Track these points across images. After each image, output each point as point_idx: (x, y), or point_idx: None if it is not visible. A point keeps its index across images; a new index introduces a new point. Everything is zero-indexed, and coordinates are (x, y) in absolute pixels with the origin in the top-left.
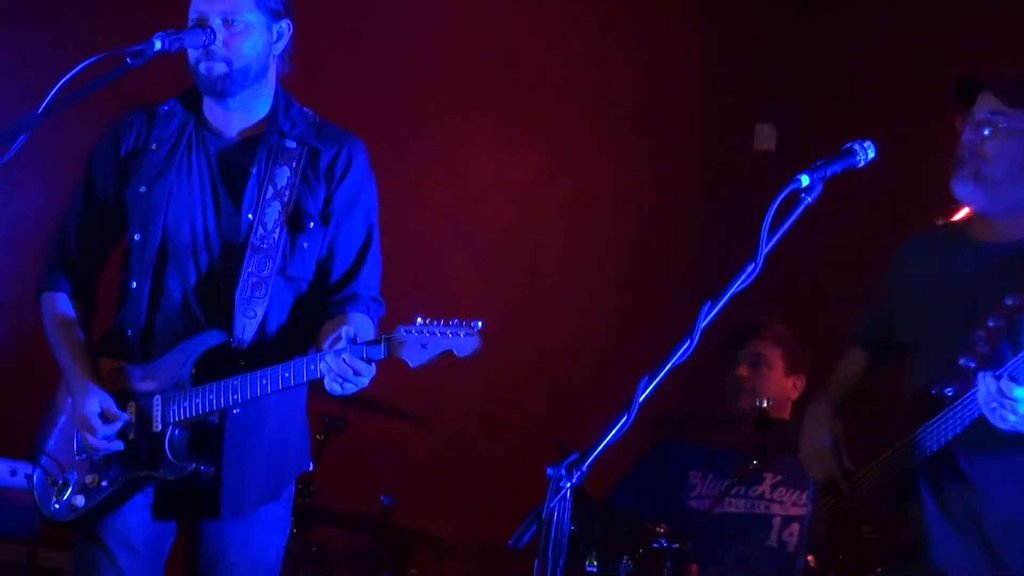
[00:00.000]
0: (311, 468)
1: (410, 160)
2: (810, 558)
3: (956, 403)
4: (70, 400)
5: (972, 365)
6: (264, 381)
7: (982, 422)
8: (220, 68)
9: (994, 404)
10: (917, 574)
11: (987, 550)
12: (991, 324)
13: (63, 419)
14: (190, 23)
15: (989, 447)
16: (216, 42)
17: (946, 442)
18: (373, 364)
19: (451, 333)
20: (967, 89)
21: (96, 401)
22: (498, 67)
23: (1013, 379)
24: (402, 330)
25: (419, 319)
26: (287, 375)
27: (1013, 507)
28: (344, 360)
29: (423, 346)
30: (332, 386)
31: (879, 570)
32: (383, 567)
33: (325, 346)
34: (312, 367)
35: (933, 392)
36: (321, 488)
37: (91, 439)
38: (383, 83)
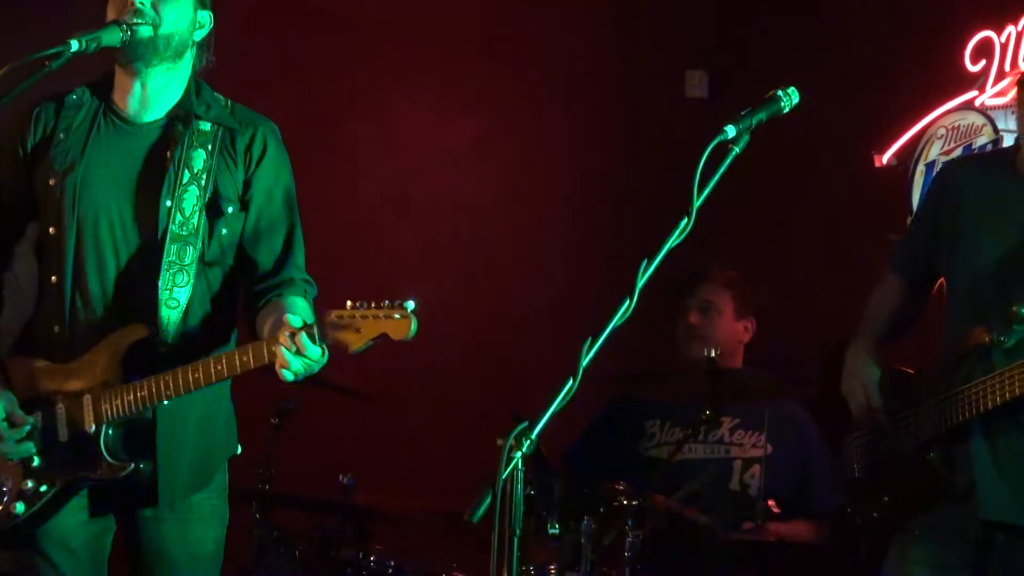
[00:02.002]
0: (239, 451)
1: (344, 132)
2: (770, 503)
3: (1015, 358)
4: None
5: None
6: (197, 375)
7: None
8: (146, 31)
9: None
10: (964, 521)
11: None
12: None
13: None
14: None
15: None
16: (146, 7)
17: (1001, 403)
18: (323, 347)
19: (384, 316)
20: None
21: (1, 406)
22: (429, 34)
23: None
24: (333, 315)
25: (349, 303)
26: (219, 368)
27: None
28: (296, 350)
29: (357, 330)
30: (284, 373)
31: (923, 514)
32: (348, 546)
33: (265, 333)
34: (244, 359)
35: (987, 339)
36: (279, 472)
37: (2, 446)
38: (316, 56)
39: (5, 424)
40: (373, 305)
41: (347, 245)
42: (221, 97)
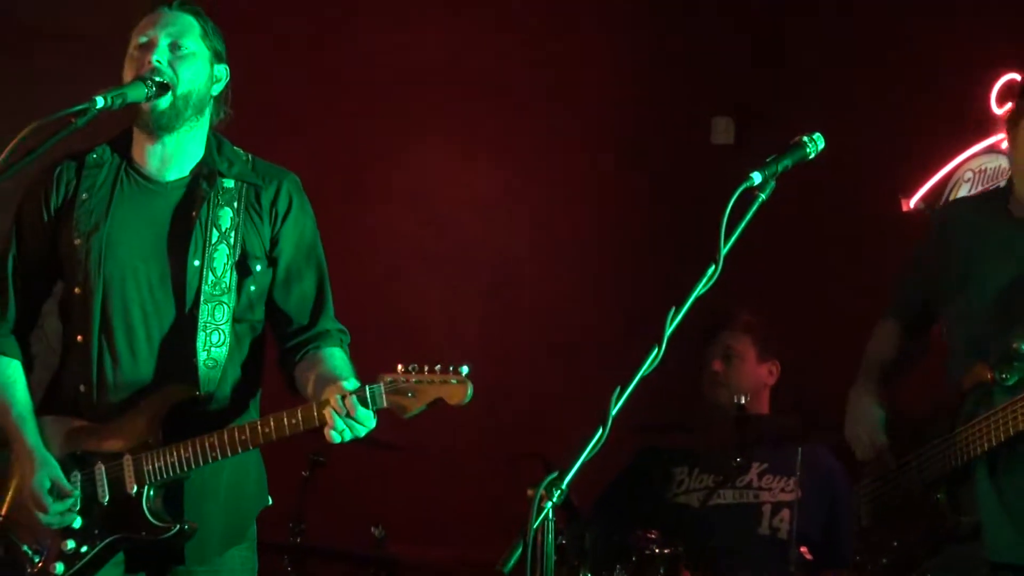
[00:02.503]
0: (270, 503)
1: (371, 184)
2: (803, 549)
3: (1018, 398)
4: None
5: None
6: (244, 437)
7: None
8: (165, 100)
9: None
10: (971, 563)
11: None
12: None
13: (19, 484)
14: (134, 47)
15: None
16: (163, 66)
17: (1006, 439)
18: (374, 411)
19: (440, 380)
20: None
21: (45, 476)
22: (454, 83)
23: None
24: (388, 379)
25: (400, 366)
26: (267, 430)
27: None
28: (347, 413)
29: (412, 395)
30: (332, 435)
31: (932, 556)
32: None
33: (308, 386)
34: (293, 421)
35: (989, 376)
36: (310, 525)
37: (44, 517)
38: (341, 109)
39: (50, 498)
40: (427, 369)
41: (375, 296)
42: (241, 152)
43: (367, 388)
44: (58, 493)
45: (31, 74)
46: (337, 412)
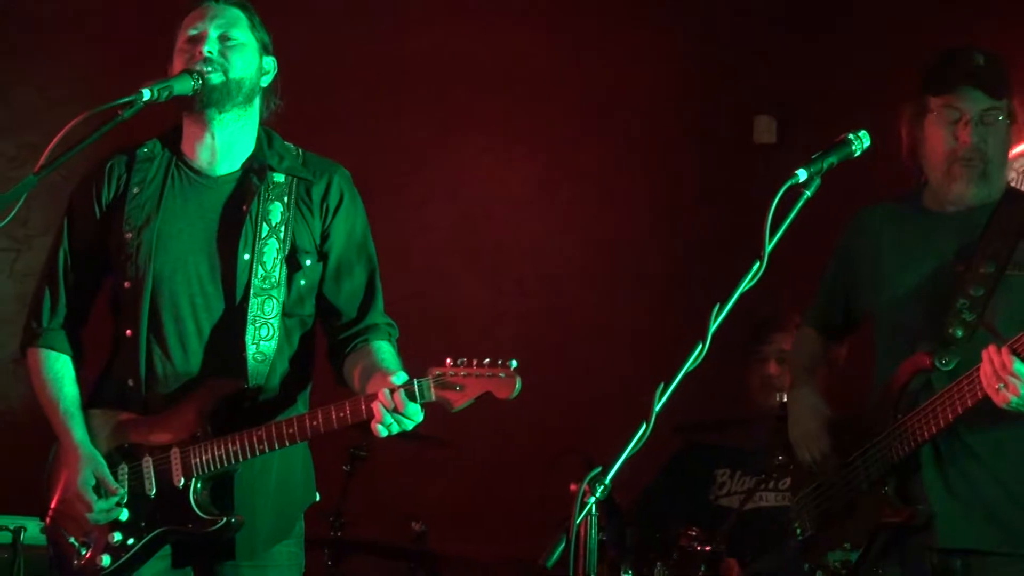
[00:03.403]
0: (317, 499)
1: (409, 183)
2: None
3: (959, 379)
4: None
5: (960, 335)
6: (292, 430)
7: (986, 399)
8: (218, 76)
9: (999, 385)
10: (923, 552)
11: (993, 521)
12: (972, 292)
13: (68, 477)
14: (183, 41)
15: (990, 416)
16: (204, 44)
17: (947, 423)
18: (422, 405)
19: (488, 374)
20: (941, 80)
21: (90, 472)
22: (493, 80)
23: (1016, 353)
24: (436, 373)
25: (449, 360)
26: (315, 423)
27: (1014, 473)
28: (395, 408)
29: (461, 389)
30: (379, 429)
31: (884, 553)
32: None
33: (356, 379)
34: (341, 415)
35: (929, 363)
36: (351, 519)
37: (89, 514)
38: (379, 106)
39: (95, 495)
40: (476, 363)
41: (415, 292)
42: (292, 146)
43: (415, 382)
44: (103, 490)
45: None
46: (385, 406)
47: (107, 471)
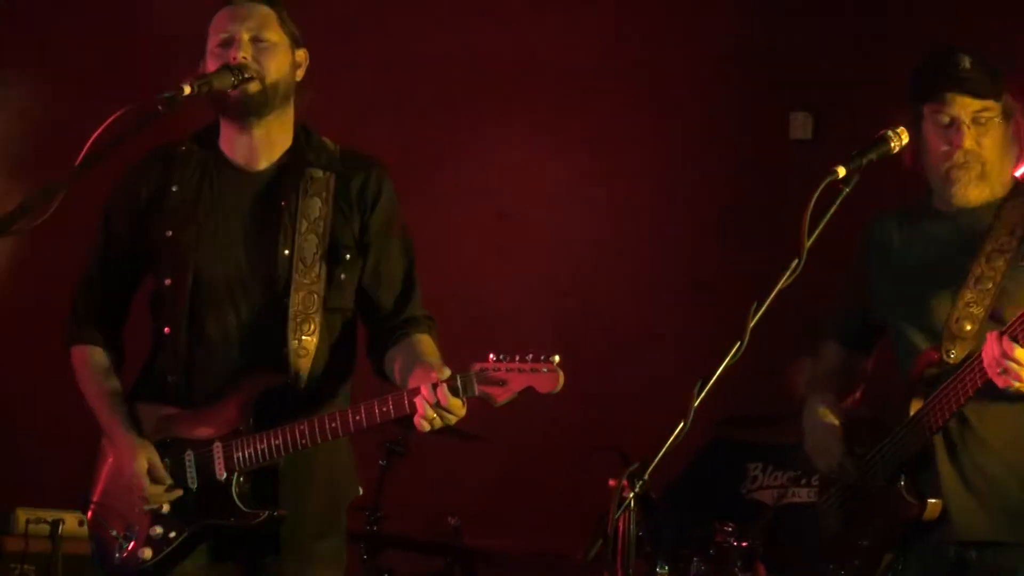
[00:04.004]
0: (360, 493)
1: (442, 179)
2: None
3: (960, 367)
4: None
5: (968, 328)
6: (334, 425)
7: (990, 384)
8: (254, 86)
9: (1000, 369)
10: (940, 546)
11: (1008, 512)
12: (979, 287)
13: (112, 471)
14: (215, 44)
15: (1003, 406)
16: (238, 50)
17: (958, 408)
18: (464, 399)
19: (531, 369)
20: (930, 87)
21: (144, 459)
22: (528, 76)
23: (1015, 339)
24: (479, 368)
25: (492, 355)
26: (358, 418)
27: (1018, 455)
28: (440, 402)
29: (504, 383)
30: (421, 423)
31: (905, 548)
32: None
33: (396, 373)
34: (384, 409)
35: (937, 356)
36: (388, 513)
37: (140, 500)
38: (413, 104)
39: (148, 480)
40: (518, 358)
41: (449, 288)
42: (329, 142)
43: (459, 377)
44: (155, 476)
45: None
46: (428, 401)
47: (158, 459)
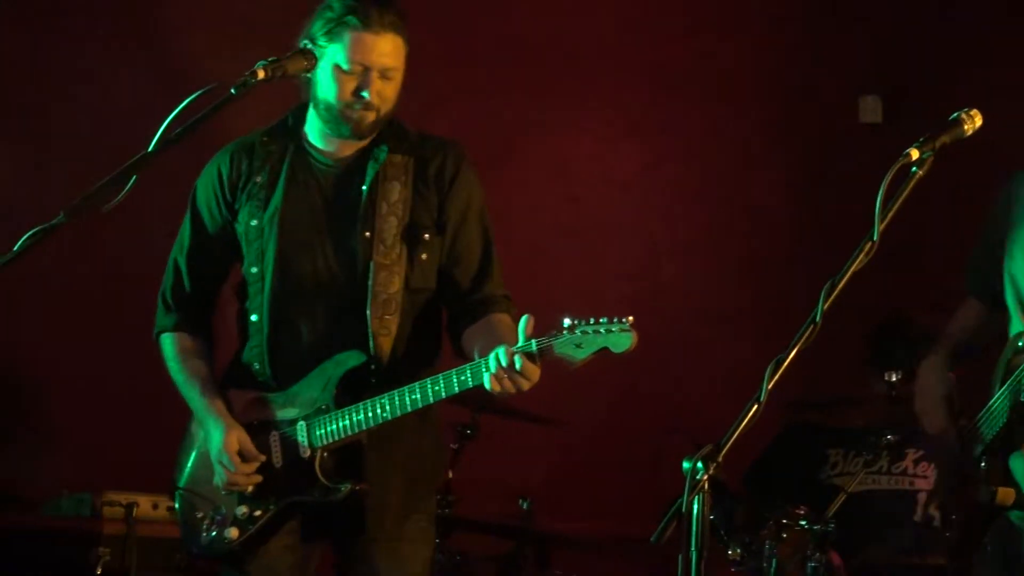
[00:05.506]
0: (448, 477)
1: (514, 160)
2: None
3: None
4: (202, 435)
5: None
6: (415, 396)
7: None
8: (371, 116)
9: None
10: (1016, 533)
11: None
12: None
13: (200, 454)
14: (344, 62)
15: None
16: (369, 90)
17: None
18: (539, 365)
19: (605, 330)
20: None
21: (235, 439)
22: (597, 61)
23: None
24: (554, 332)
25: (567, 320)
26: (437, 388)
27: None
28: (513, 365)
29: (578, 346)
30: (494, 386)
31: (989, 529)
32: (528, 570)
33: (475, 351)
34: (463, 378)
35: None
36: (459, 496)
37: (232, 476)
38: (484, 87)
39: (239, 459)
40: (592, 320)
41: (519, 270)
42: (408, 128)
43: (533, 341)
44: (246, 455)
45: None
46: (504, 365)
47: (248, 439)
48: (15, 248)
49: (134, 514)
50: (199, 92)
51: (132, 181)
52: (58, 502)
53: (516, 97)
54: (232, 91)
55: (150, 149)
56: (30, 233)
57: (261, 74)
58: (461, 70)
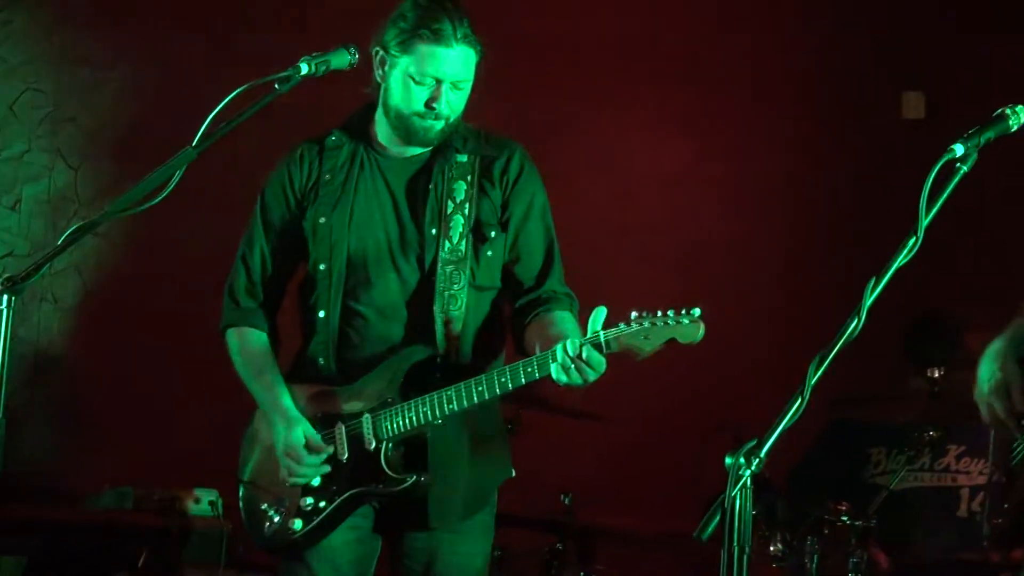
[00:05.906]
0: (513, 474)
1: (561, 156)
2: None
3: None
4: (266, 428)
5: None
6: (480, 388)
7: None
8: (439, 125)
9: None
10: None
11: None
12: None
13: (264, 448)
14: (416, 73)
15: None
16: (440, 102)
17: None
18: (605, 357)
19: (673, 321)
20: None
21: (301, 432)
22: (642, 57)
23: None
24: (621, 325)
25: (634, 312)
26: (503, 380)
27: None
28: (581, 355)
29: (646, 337)
30: (560, 377)
31: None
32: (570, 566)
33: (537, 348)
34: (529, 369)
35: None
36: (502, 491)
37: (298, 468)
38: (530, 82)
39: (305, 451)
40: (660, 313)
41: (569, 264)
42: (473, 127)
43: (600, 333)
44: (312, 447)
45: None
46: (570, 356)
47: (314, 432)
48: (59, 242)
49: (176, 508)
50: (242, 87)
51: (176, 177)
52: (100, 496)
53: (567, 92)
54: (276, 87)
55: (193, 145)
56: (73, 228)
57: (304, 68)
58: (507, 67)
